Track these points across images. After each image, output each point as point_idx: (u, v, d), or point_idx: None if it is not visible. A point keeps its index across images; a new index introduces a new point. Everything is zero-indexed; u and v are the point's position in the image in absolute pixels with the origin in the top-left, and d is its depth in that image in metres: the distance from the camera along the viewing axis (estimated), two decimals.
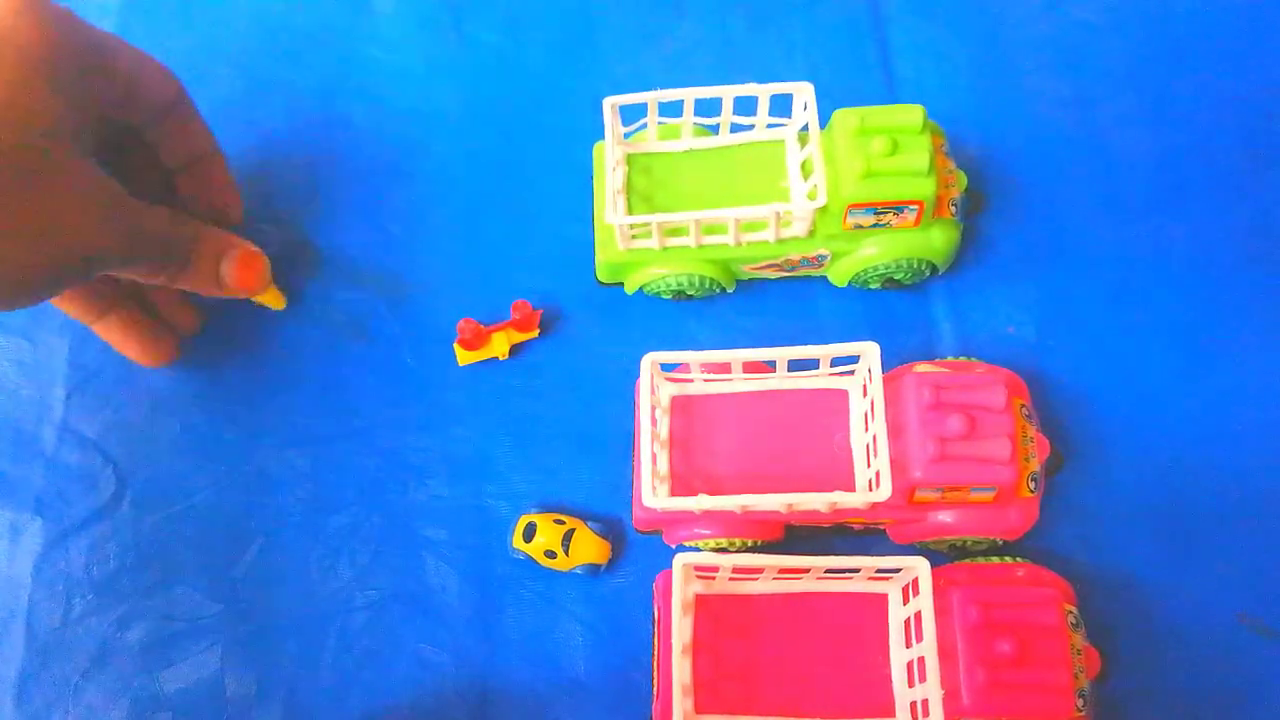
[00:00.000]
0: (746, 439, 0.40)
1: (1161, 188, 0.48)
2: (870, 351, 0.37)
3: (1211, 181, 0.48)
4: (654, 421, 0.37)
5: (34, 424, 0.46)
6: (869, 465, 0.38)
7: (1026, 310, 0.46)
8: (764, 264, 0.45)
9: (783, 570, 0.36)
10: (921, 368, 0.39)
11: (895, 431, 0.37)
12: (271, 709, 0.41)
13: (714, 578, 0.37)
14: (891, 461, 0.36)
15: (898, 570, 0.36)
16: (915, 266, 0.44)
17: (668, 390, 0.41)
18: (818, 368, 0.39)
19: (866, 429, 0.38)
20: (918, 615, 0.34)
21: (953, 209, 0.43)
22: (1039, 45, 0.52)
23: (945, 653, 0.34)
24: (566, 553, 0.41)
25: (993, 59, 0.52)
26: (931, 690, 0.33)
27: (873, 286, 0.46)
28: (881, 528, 0.41)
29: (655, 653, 0.38)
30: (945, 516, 0.38)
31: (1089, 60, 0.51)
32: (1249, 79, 0.50)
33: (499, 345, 0.45)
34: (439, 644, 0.41)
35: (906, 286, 0.46)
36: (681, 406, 0.41)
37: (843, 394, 0.40)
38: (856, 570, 0.37)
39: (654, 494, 0.36)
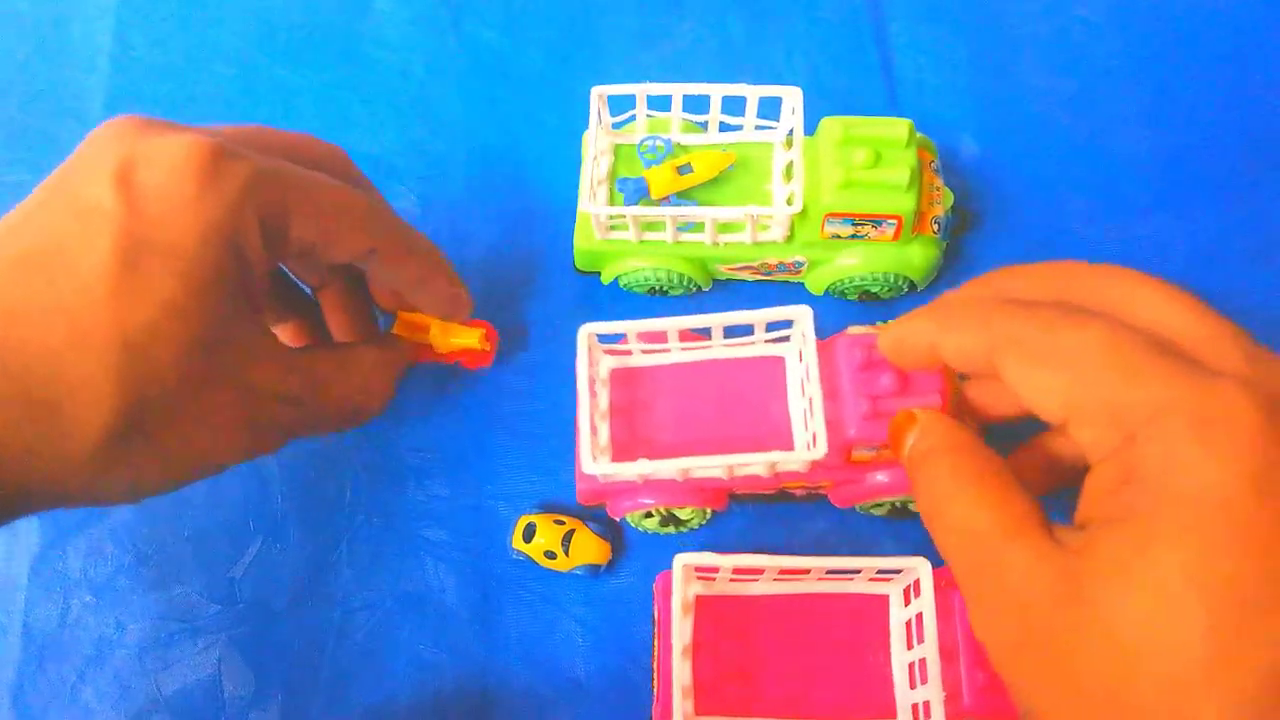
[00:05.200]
0: (687, 408, 0.40)
1: (1161, 188, 0.48)
2: (803, 315, 0.37)
3: (1212, 181, 0.48)
4: (593, 394, 0.38)
5: None
6: (806, 428, 0.38)
7: None
8: (740, 266, 0.45)
9: (783, 571, 0.36)
10: (854, 330, 0.39)
11: (830, 393, 0.37)
12: (270, 710, 0.41)
13: (714, 578, 0.37)
14: (827, 422, 0.36)
15: (899, 571, 0.36)
16: (892, 282, 0.44)
17: (607, 363, 0.41)
18: (753, 334, 0.40)
19: (804, 394, 0.38)
20: (919, 616, 0.34)
21: (935, 227, 0.43)
22: (1039, 45, 0.52)
23: (947, 653, 0.34)
24: (566, 553, 0.41)
25: (993, 59, 0.52)
26: (933, 691, 0.33)
27: (849, 298, 0.45)
28: (823, 492, 0.41)
29: (655, 653, 0.38)
30: (883, 476, 0.39)
31: (1089, 60, 0.51)
32: (1249, 78, 0.50)
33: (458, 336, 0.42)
34: (439, 644, 0.41)
35: (884, 301, 0.45)
36: (622, 379, 0.41)
37: (780, 360, 0.40)
38: (857, 571, 0.37)
39: (594, 461, 0.36)
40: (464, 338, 0.42)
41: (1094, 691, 0.23)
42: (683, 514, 0.41)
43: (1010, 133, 0.50)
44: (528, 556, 0.41)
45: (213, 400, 0.30)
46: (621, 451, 0.39)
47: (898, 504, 0.40)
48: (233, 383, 0.30)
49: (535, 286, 0.47)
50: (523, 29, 0.54)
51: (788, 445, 0.38)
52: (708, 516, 0.41)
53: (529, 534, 0.41)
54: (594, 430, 0.37)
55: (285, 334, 0.41)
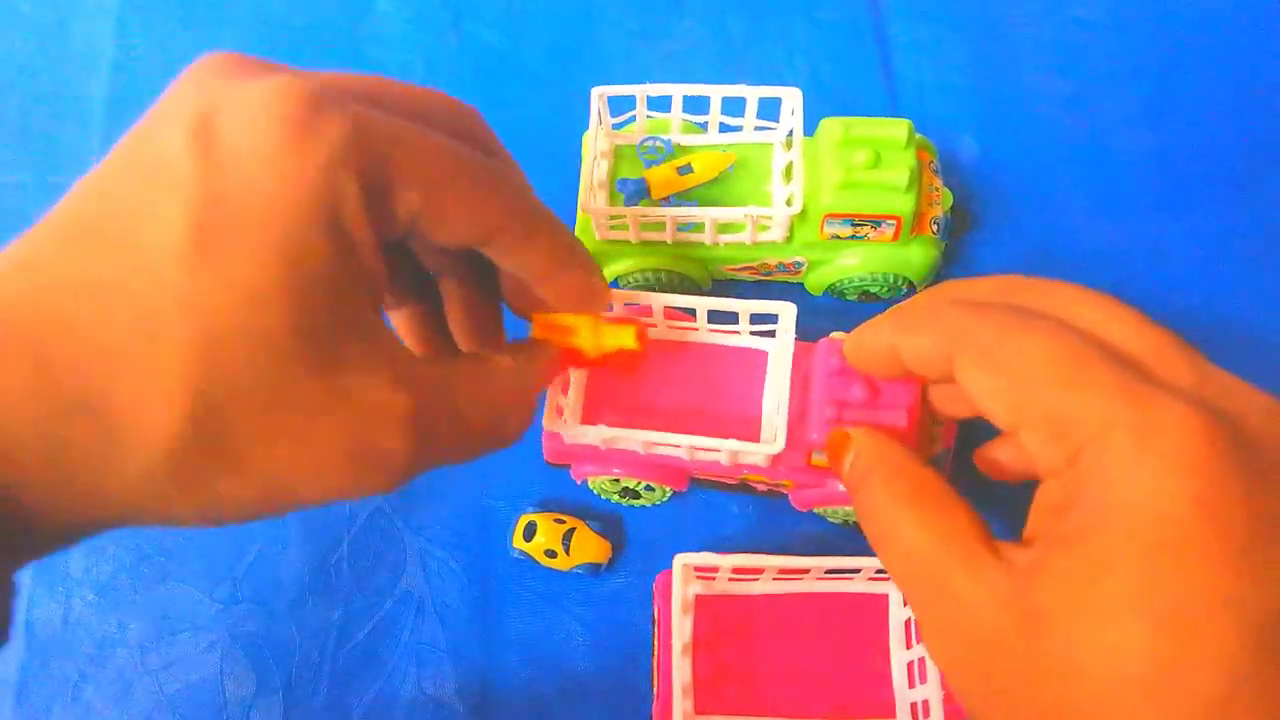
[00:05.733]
0: (662, 385, 0.40)
1: (1161, 188, 0.48)
2: (786, 311, 0.37)
3: (1211, 181, 0.48)
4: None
5: None
6: (772, 424, 0.38)
7: None
8: (740, 266, 0.45)
9: (783, 570, 0.36)
10: (837, 335, 0.39)
11: (801, 395, 0.37)
12: (271, 709, 0.41)
13: (714, 578, 0.37)
14: (792, 422, 0.36)
15: None
16: (892, 282, 0.44)
17: None
18: (738, 324, 0.40)
19: (776, 390, 0.38)
20: None
21: (934, 227, 0.43)
22: (1039, 45, 0.52)
23: None
24: (567, 552, 0.41)
25: (993, 59, 0.52)
26: (932, 690, 0.33)
27: (849, 298, 0.46)
28: (784, 491, 0.41)
29: (655, 653, 0.38)
30: (843, 485, 0.39)
31: (1089, 60, 0.51)
32: (1249, 79, 0.50)
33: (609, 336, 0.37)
34: (439, 644, 0.41)
35: (883, 301, 0.46)
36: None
37: (763, 355, 0.40)
38: (857, 570, 0.37)
39: (561, 420, 0.36)
40: (618, 338, 0.36)
41: (1044, 712, 0.23)
42: (639, 488, 0.41)
43: (1010, 133, 0.50)
44: (528, 555, 0.41)
45: (313, 422, 0.24)
46: (590, 416, 0.39)
47: (852, 518, 0.40)
48: (342, 402, 0.24)
49: None
50: (523, 29, 0.54)
51: (753, 437, 0.38)
52: (667, 495, 0.42)
53: (529, 533, 0.41)
54: (564, 390, 0.37)
55: (400, 325, 0.34)
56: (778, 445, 0.35)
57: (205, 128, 0.23)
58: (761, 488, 0.41)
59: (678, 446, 0.37)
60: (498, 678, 0.41)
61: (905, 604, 0.37)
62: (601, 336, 0.35)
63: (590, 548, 0.41)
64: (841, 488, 0.38)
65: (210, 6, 0.55)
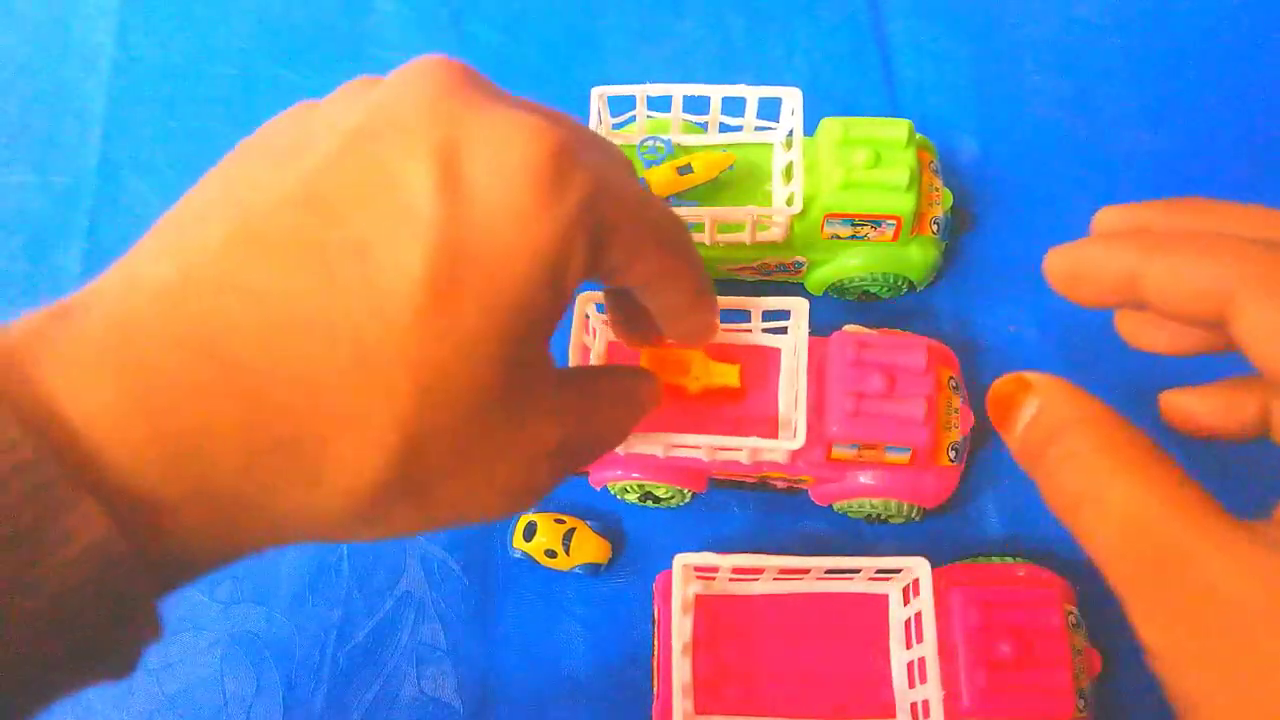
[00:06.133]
0: (678, 389, 0.39)
1: (1161, 188, 0.48)
2: (799, 307, 0.37)
3: (1211, 181, 0.48)
4: (586, 362, 0.38)
5: None
6: (790, 420, 0.38)
7: (1027, 310, 0.46)
8: (740, 266, 0.45)
9: (783, 571, 0.36)
10: (850, 328, 0.39)
11: (818, 389, 0.37)
12: (271, 709, 0.41)
13: (714, 578, 0.37)
14: (811, 416, 0.36)
15: (898, 571, 0.36)
16: (892, 282, 0.44)
17: (605, 335, 0.41)
18: (749, 322, 0.40)
19: (792, 385, 0.39)
20: (918, 616, 0.34)
21: (934, 227, 0.43)
22: (1039, 45, 0.52)
23: (946, 653, 0.34)
24: (567, 552, 0.41)
25: (993, 59, 0.52)
26: (932, 691, 0.33)
27: (849, 298, 0.46)
28: (804, 486, 0.41)
29: (655, 652, 0.38)
30: (864, 478, 0.39)
31: (1089, 60, 0.51)
32: (1249, 79, 0.50)
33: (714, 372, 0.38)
34: (439, 644, 0.41)
35: (882, 300, 0.46)
36: (616, 353, 0.41)
37: (776, 351, 0.40)
38: (857, 571, 0.37)
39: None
40: (724, 375, 0.38)
41: None
42: (660, 491, 0.41)
43: (1010, 133, 0.50)
44: (528, 555, 0.41)
45: (489, 463, 0.24)
46: None
47: (875, 512, 0.40)
48: (513, 444, 0.24)
49: None
50: (523, 29, 0.54)
51: (771, 434, 0.38)
52: (687, 498, 0.42)
53: (529, 533, 0.41)
54: None
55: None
56: (798, 441, 0.36)
57: (450, 164, 0.22)
58: (780, 484, 0.41)
59: (698, 448, 0.37)
60: (498, 678, 0.41)
61: (906, 604, 0.37)
62: (710, 374, 0.37)
63: (590, 548, 0.41)
64: (864, 479, 0.39)
65: (210, 6, 0.55)
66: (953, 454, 0.39)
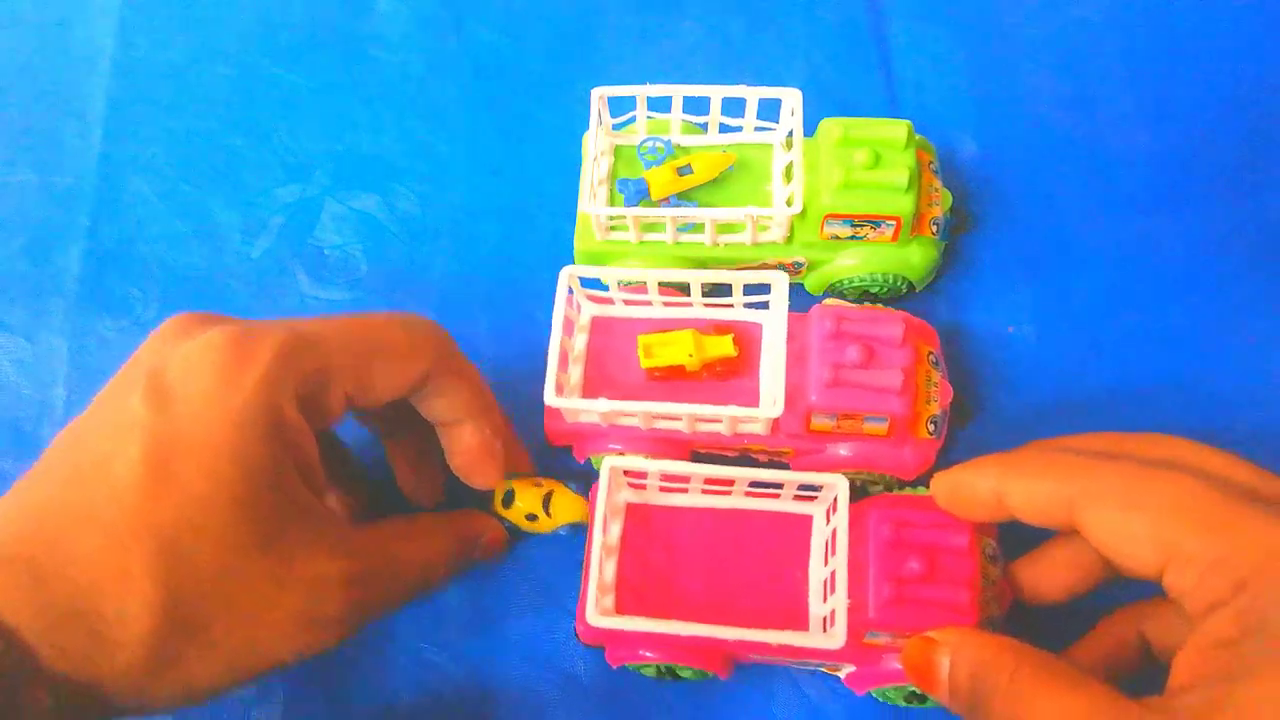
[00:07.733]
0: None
1: (1161, 188, 0.48)
2: (779, 281, 0.38)
3: (1211, 181, 0.48)
4: (570, 334, 0.39)
5: (34, 424, 0.46)
6: (770, 391, 0.39)
7: (1026, 310, 0.46)
8: (740, 266, 0.45)
9: (708, 481, 0.38)
10: (829, 302, 0.40)
11: (797, 360, 0.38)
12: (271, 709, 0.41)
13: (645, 485, 0.38)
14: (790, 387, 0.37)
15: (820, 488, 0.37)
16: (891, 282, 0.44)
17: (589, 310, 0.42)
18: (730, 296, 0.41)
19: (772, 358, 0.39)
20: (835, 532, 0.35)
21: (934, 228, 0.43)
22: (1039, 45, 0.52)
23: (857, 568, 0.34)
24: (548, 513, 0.40)
25: (992, 59, 0.52)
26: (839, 600, 0.34)
27: (848, 298, 0.46)
28: (785, 459, 0.41)
29: (586, 554, 0.38)
30: (843, 449, 0.39)
31: (1089, 60, 0.51)
32: (1249, 79, 0.50)
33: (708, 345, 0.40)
34: (439, 644, 0.41)
35: (881, 300, 0.46)
36: (601, 327, 0.42)
37: (758, 326, 0.41)
38: (781, 487, 0.37)
39: (560, 394, 0.37)
40: (718, 346, 0.40)
41: None
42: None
43: (1010, 133, 0.50)
44: (509, 522, 0.41)
45: (266, 595, 0.29)
46: (590, 393, 0.40)
47: (855, 480, 0.41)
48: (289, 575, 0.30)
49: (535, 287, 0.47)
50: (523, 29, 0.54)
51: (752, 405, 0.39)
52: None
53: (508, 500, 0.40)
54: (564, 367, 0.39)
55: (336, 500, 0.40)
56: (777, 409, 0.36)
57: (157, 383, 0.29)
58: (762, 457, 0.42)
59: (678, 418, 0.38)
60: (498, 678, 0.41)
61: (828, 523, 0.37)
62: (704, 349, 0.39)
63: (570, 507, 0.40)
64: (843, 451, 0.39)
65: (210, 6, 0.55)
66: (931, 427, 0.39)
